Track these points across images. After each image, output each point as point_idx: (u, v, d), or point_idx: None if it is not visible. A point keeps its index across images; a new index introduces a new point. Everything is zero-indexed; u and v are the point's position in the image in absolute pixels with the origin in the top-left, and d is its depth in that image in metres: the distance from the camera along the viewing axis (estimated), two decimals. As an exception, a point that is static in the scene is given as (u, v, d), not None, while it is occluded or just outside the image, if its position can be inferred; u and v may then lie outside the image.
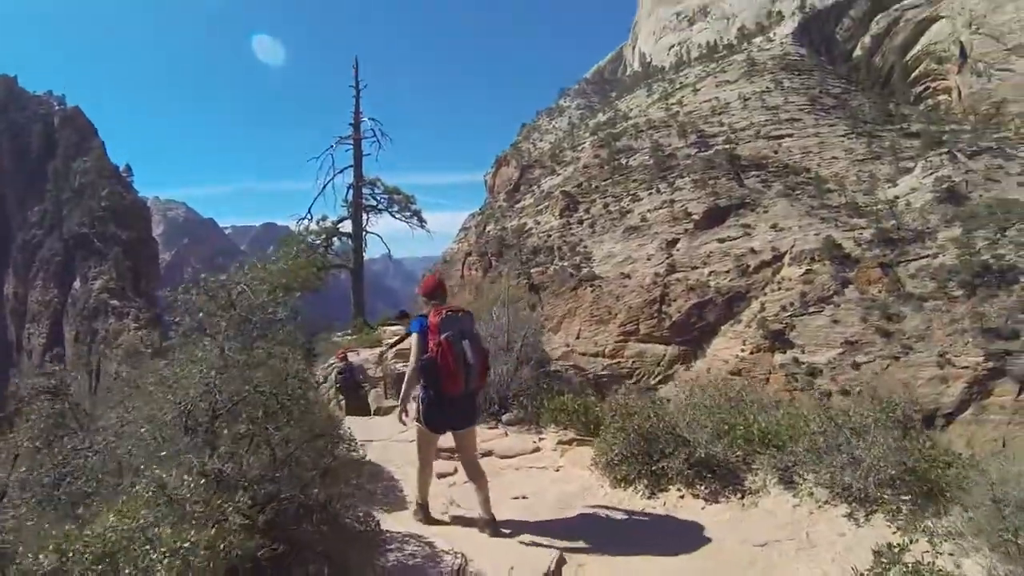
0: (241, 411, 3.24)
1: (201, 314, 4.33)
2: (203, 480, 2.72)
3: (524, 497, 4.95)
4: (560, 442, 6.12)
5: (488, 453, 6.03)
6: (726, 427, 4.73)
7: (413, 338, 4.27)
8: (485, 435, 6.54)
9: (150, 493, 2.59)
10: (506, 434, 6.74)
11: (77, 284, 70.38)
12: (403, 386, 4.44)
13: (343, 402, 10.98)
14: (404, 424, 4.56)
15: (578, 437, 6.05)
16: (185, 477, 2.68)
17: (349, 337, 16.76)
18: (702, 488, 4.55)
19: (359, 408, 10.70)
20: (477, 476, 4.42)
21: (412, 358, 4.27)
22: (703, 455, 4.53)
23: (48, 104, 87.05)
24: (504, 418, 7.10)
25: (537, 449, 6.16)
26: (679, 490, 4.61)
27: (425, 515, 4.57)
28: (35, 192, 79.62)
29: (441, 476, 5.25)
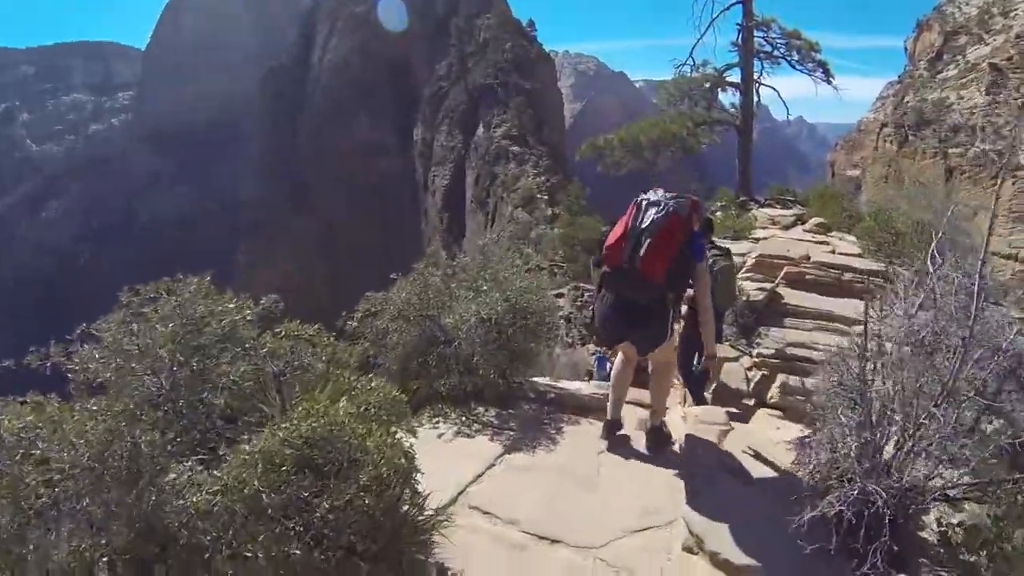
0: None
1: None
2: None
3: None
4: None
5: None
6: None
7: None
8: None
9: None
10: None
11: (480, 131, 75.20)
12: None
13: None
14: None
15: None
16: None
17: (718, 215, 13.16)
18: None
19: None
20: (660, 377, 3.76)
21: None
22: None
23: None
24: None
25: None
26: None
27: (609, 432, 3.83)
28: (440, 49, 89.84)
29: None
